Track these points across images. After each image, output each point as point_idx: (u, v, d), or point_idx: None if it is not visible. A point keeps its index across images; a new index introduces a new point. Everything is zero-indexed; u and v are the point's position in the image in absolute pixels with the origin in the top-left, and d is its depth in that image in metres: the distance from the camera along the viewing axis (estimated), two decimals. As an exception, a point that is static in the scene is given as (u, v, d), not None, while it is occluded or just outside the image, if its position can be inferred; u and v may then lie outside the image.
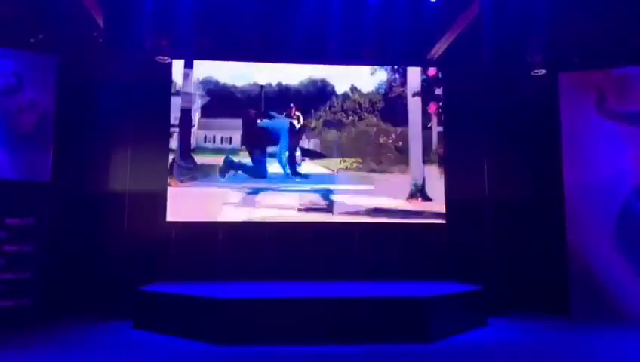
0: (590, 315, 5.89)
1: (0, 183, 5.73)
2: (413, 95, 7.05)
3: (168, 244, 6.45)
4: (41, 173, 5.92)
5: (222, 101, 6.83)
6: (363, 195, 6.80)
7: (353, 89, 7.06)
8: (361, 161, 6.92)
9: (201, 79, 6.83)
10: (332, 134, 6.95)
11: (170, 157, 6.61)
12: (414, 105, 7.04)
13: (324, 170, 6.88)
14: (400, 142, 6.97)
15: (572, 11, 6.11)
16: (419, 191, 6.84)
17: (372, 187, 6.84)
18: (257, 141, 6.81)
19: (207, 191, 6.63)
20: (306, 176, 6.80)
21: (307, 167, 6.88)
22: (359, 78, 7.09)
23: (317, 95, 7.00)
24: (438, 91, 7.05)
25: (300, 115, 6.88)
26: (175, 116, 6.71)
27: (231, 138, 6.78)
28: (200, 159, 6.70)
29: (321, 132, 6.94)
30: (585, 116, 6.22)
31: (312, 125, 6.93)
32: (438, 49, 6.99)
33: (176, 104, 6.73)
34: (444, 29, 6.70)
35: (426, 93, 7.06)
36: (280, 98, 6.90)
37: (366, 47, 6.87)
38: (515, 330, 5.56)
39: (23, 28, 6.30)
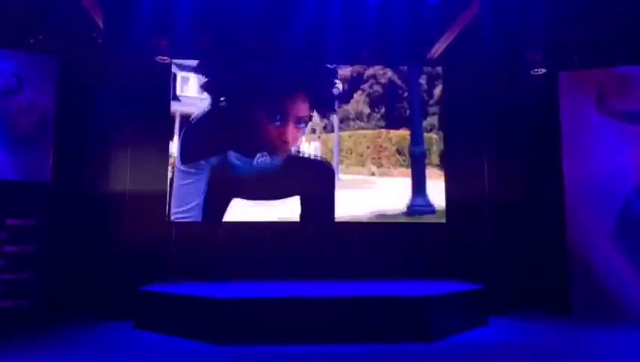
0: (591, 314, 5.88)
1: (0, 184, 5.74)
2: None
3: (168, 244, 6.44)
4: (41, 174, 5.93)
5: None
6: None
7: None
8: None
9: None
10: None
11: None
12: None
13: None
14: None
15: (572, 10, 6.12)
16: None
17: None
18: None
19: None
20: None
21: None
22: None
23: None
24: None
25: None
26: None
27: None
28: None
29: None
30: (585, 115, 6.21)
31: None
32: (438, 48, 6.99)
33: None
34: (444, 29, 6.70)
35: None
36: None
37: (366, 47, 6.87)
38: (516, 330, 5.55)
39: (22, 28, 6.31)
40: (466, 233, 6.56)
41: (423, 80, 7.07)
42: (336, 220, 6.74)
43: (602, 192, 6.05)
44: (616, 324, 5.60)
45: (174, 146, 6.60)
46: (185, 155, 6.56)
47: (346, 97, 6.99)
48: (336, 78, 6.92)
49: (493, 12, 6.11)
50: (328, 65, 6.93)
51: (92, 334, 5.27)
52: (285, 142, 6.66)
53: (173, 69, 6.74)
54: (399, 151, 6.94)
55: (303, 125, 6.75)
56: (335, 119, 6.93)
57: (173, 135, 6.64)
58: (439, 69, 7.07)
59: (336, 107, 6.94)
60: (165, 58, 6.63)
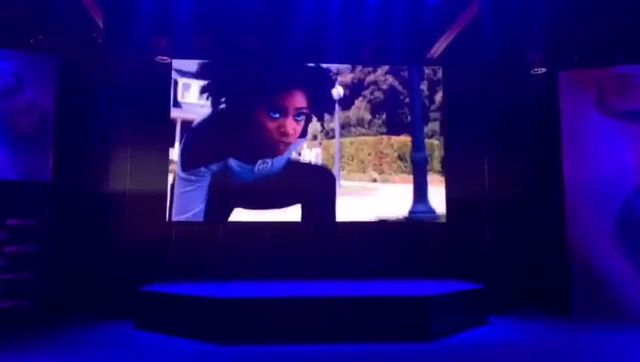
0: (591, 314, 5.88)
1: (0, 184, 5.74)
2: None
3: (168, 244, 6.44)
4: (41, 174, 5.93)
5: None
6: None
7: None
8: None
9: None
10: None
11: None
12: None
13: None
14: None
15: (572, 9, 6.12)
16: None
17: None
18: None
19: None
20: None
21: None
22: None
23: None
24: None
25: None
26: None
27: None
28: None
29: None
30: (585, 114, 6.21)
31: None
32: (438, 48, 6.99)
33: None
34: (444, 29, 6.70)
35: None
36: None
37: (366, 47, 6.87)
38: (516, 329, 5.55)
39: (22, 28, 6.31)
40: (466, 233, 6.56)
41: (424, 86, 7.04)
42: (337, 220, 6.73)
43: (602, 192, 6.05)
44: (616, 324, 5.59)
45: (175, 153, 6.57)
46: (185, 162, 6.54)
47: (347, 103, 6.95)
48: (336, 80, 6.91)
49: (493, 12, 6.11)
50: (328, 66, 6.92)
51: (92, 334, 5.26)
52: (285, 135, 6.63)
53: (175, 75, 6.72)
54: (401, 158, 6.92)
55: (301, 118, 6.73)
56: (336, 125, 6.91)
57: (173, 137, 6.61)
58: (440, 74, 7.03)
59: (336, 110, 6.91)
60: (165, 58, 6.63)
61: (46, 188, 5.93)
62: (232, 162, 6.58)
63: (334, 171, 6.82)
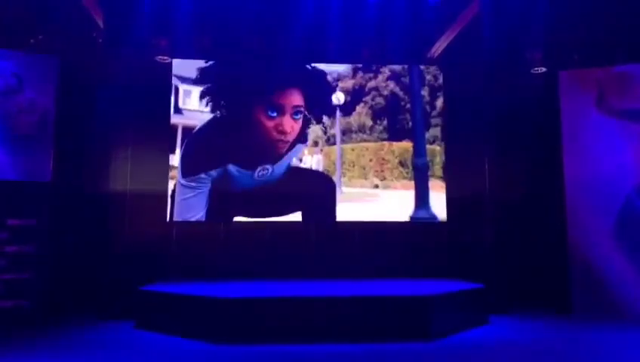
0: (591, 314, 5.89)
1: (0, 184, 5.74)
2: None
3: (169, 244, 6.44)
4: (42, 174, 5.93)
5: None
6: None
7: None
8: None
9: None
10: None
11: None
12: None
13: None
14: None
15: (572, 9, 6.12)
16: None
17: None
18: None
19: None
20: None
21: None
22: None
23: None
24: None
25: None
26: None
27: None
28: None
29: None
30: (585, 114, 6.21)
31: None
32: (438, 48, 6.99)
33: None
34: (444, 28, 6.70)
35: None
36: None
37: (366, 47, 6.87)
38: (517, 328, 5.55)
39: (22, 28, 6.31)
40: (467, 232, 6.56)
41: (425, 91, 7.02)
42: (337, 220, 6.73)
43: (602, 192, 6.05)
44: (616, 324, 5.59)
45: (176, 159, 6.56)
46: (186, 168, 6.53)
47: (348, 109, 6.94)
48: (336, 86, 6.91)
49: (493, 12, 6.11)
50: (328, 69, 6.92)
51: (92, 334, 5.26)
52: (283, 133, 6.62)
53: (175, 81, 6.71)
54: (402, 164, 6.90)
55: (299, 117, 6.72)
56: (337, 131, 6.89)
57: (175, 140, 6.60)
58: (440, 80, 7.02)
59: (337, 116, 6.89)
60: (165, 58, 6.62)
61: (46, 188, 5.93)
62: (232, 168, 6.57)
63: (335, 178, 6.81)
